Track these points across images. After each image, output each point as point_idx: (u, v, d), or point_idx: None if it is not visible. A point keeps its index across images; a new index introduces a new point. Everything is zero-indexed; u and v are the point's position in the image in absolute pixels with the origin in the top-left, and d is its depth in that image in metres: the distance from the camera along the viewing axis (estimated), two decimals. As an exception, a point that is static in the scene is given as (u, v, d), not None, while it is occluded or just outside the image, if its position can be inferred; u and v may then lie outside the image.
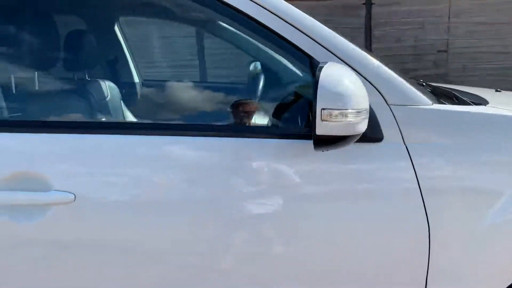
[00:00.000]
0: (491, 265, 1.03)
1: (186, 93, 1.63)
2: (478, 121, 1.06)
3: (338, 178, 1.00)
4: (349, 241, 1.02)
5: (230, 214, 0.98)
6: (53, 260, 0.94)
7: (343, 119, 0.78)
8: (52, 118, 1.20)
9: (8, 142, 0.93)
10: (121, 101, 1.68)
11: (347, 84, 0.80)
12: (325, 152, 0.95)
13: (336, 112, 0.78)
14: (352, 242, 1.02)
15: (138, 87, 2.04)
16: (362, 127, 0.83)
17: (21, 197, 0.87)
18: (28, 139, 0.95)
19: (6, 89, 1.23)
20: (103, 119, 1.56)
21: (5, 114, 1.14)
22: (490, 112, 1.09)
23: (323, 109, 0.79)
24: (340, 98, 0.78)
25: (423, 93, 1.09)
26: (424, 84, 1.53)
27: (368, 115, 0.85)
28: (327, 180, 1.01)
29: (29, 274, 0.95)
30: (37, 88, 1.38)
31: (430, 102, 1.06)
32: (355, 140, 0.89)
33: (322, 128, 0.80)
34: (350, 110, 0.79)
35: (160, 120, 1.46)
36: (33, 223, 0.89)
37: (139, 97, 2.02)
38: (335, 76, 0.80)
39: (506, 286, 1.02)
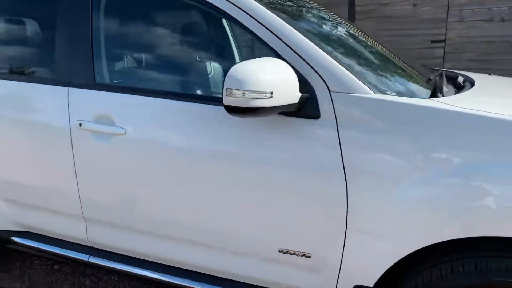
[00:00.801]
0: (408, 222, 1.20)
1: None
2: (404, 112, 1.22)
3: (272, 144, 1.35)
4: (282, 200, 1.36)
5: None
6: (108, 163, 1.61)
7: (240, 96, 1.16)
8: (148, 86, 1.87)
9: (105, 97, 1.64)
10: (222, 77, 2.23)
11: (247, 74, 1.15)
12: (264, 121, 1.32)
13: (234, 91, 1.16)
14: (283, 202, 1.36)
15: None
16: (259, 103, 1.17)
17: (100, 127, 1.59)
18: (117, 96, 1.64)
19: (137, 62, 1.88)
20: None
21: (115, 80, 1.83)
22: (421, 104, 1.22)
23: (227, 88, 1.17)
24: (240, 82, 1.16)
25: (370, 82, 1.30)
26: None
27: (269, 96, 1.17)
28: (259, 146, 1.36)
29: (95, 172, 1.66)
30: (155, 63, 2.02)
31: (370, 91, 1.27)
32: (270, 114, 1.24)
33: (226, 100, 1.18)
34: (244, 90, 1.15)
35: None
36: (106, 142, 1.60)
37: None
38: (244, 68, 1.17)
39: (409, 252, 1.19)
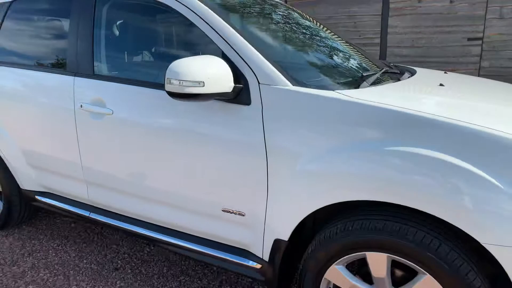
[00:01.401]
0: (308, 189, 1.51)
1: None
2: (307, 101, 1.52)
3: (214, 123, 1.69)
4: (200, 162, 1.71)
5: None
6: (101, 137, 2.02)
7: (177, 84, 1.51)
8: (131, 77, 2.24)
9: (99, 84, 2.05)
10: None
11: (186, 68, 1.50)
12: (209, 104, 1.68)
13: (172, 80, 1.51)
14: (205, 164, 1.71)
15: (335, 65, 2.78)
16: (192, 90, 1.51)
17: (95, 108, 2.02)
18: (107, 84, 2.05)
19: (122, 58, 2.27)
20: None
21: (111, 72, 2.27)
22: (320, 94, 1.51)
23: (167, 78, 1.53)
24: (176, 73, 1.51)
25: (292, 76, 1.61)
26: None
27: (201, 85, 1.52)
28: (204, 125, 1.71)
29: (91, 143, 2.09)
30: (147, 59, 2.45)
31: (289, 84, 1.59)
32: (206, 100, 1.58)
33: (167, 88, 1.54)
34: (181, 80, 1.50)
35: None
36: (99, 120, 2.03)
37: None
38: (184, 64, 1.53)
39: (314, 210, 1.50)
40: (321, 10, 11.10)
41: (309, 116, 1.50)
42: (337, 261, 1.53)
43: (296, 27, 2.18)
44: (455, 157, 1.27)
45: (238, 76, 1.65)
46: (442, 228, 1.37)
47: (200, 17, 1.76)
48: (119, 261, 2.44)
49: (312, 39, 2.14)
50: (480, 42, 7.75)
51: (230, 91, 1.60)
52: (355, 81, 1.78)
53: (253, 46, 1.68)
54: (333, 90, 1.54)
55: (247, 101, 1.63)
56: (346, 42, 2.55)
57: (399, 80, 1.95)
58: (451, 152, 1.28)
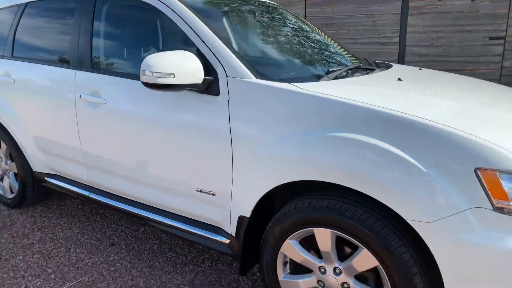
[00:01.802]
0: (276, 170, 1.66)
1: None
2: (264, 92, 1.70)
3: (187, 111, 1.90)
4: (177, 147, 1.92)
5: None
6: (96, 124, 2.28)
7: (149, 75, 1.72)
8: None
9: (96, 77, 2.30)
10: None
11: (158, 61, 1.71)
12: (184, 95, 1.88)
13: (146, 72, 1.72)
14: (181, 148, 1.91)
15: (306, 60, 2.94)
16: (163, 81, 1.71)
17: (91, 98, 2.27)
18: (102, 77, 2.29)
19: (114, 54, 2.51)
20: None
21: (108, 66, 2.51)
22: (277, 86, 1.69)
23: (142, 70, 1.74)
24: (149, 66, 1.71)
25: (257, 71, 1.80)
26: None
27: (171, 76, 1.72)
28: (179, 112, 1.92)
29: (88, 130, 2.34)
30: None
31: (253, 77, 1.78)
32: (178, 90, 1.79)
33: (142, 78, 1.74)
34: (153, 72, 1.71)
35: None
36: (95, 109, 2.27)
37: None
38: (157, 58, 1.73)
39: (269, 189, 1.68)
40: (340, 9, 11.12)
41: (267, 105, 1.68)
42: (290, 236, 1.71)
43: (273, 26, 2.36)
44: (381, 140, 1.42)
45: (209, 69, 1.84)
46: (378, 207, 1.51)
47: (179, 16, 1.97)
48: (115, 238, 2.70)
49: (286, 37, 2.31)
50: (502, 41, 7.63)
51: (200, 82, 1.80)
52: (318, 76, 1.94)
53: (223, 43, 1.87)
54: (289, 83, 1.71)
55: (216, 92, 1.83)
56: (331, 40, 2.70)
57: (364, 75, 2.09)
58: (378, 136, 1.43)
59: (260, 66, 1.87)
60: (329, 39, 2.87)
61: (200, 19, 1.94)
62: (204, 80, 1.81)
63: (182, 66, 1.73)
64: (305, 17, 11.76)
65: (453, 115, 1.50)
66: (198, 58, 1.83)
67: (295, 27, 2.52)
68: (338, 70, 2.07)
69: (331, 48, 2.53)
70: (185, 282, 2.22)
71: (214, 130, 1.83)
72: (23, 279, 2.26)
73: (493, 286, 1.32)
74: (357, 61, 2.50)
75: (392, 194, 1.40)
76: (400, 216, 1.46)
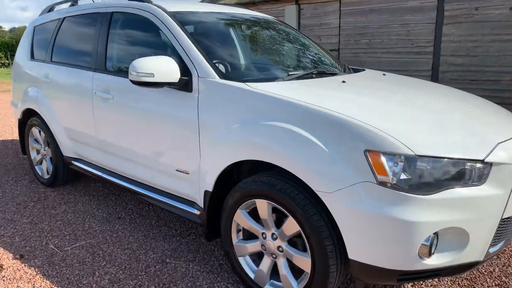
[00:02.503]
0: (228, 151, 2.06)
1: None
2: (224, 89, 2.11)
3: (167, 105, 2.35)
4: (161, 134, 2.37)
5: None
6: (106, 115, 2.82)
7: (135, 75, 2.19)
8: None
9: (108, 77, 2.83)
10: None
11: (141, 64, 2.17)
12: (162, 91, 2.34)
13: (132, 72, 2.18)
14: (163, 135, 2.36)
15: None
16: (145, 79, 2.18)
17: (103, 94, 2.80)
18: (112, 77, 2.81)
19: (121, 58, 3.11)
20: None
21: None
22: (233, 84, 2.09)
23: (129, 70, 2.21)
24: (135, 67, 2.18)
25: (222, 72, 2.22)
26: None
27: (151, 76, 2.17)
28: (161, 105, 2.38)
29: (100, 120, 2.87)
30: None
31: (217, 77, 2.20)
32: (168, 86, 2.25)
33: (130, 77, 2.21)
34: (137, 72, 2.17)
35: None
36: (105, 103, 2.80)
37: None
38: (143, 62, 2.20)
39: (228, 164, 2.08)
40: (374, 19, 11.28)
41: (224, 99, 2.09)
42: (240, 206, 2.09)
43: (250, 36, 2.77)
44: (297, 126, 1.78)
45: (187, 71, 2.29)
46: (299, 182, 1.85)
47: (169, 30, 2.44)
48: (123, 213, 3.21)
49: (259, 45, 2.71)
50: (540, 51, 7.45)
51: (176, 81, 2.24)
52: (275, 78, 2.32)
53: (199, 51, 2.31)
54: (243, 82, 2.11)
55: (190, 89, 2.27)
56: (318, 47, 3.06)
57: (319, 77, 2.43)
58: (295, 123, 1.79)
59: (227, 69, 2.28)
60: (317, 46, 3.22)
61: (184, 32, 2.39)
62: (180, 79, 2.25)
63: (161, 68, 2.19)
64: (339, 27, 11.99)
65: (364, 109, 1.82)
66: (179, 62, 2.29)
67: (274, 36, 2.91)
68: (297, 73, 2.44)
69: (308, 55, 2.89)
70: (169, 249, 2.66)
71: (187, 119, 2.26)
72: (45, 238, 2.82)
73: (377, 244, 1.62)
74: (329, 66, 2.83)
75: (304, 169, 1.74)
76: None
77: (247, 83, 2.10)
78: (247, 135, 1.94)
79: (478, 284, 2.25)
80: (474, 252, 1.70)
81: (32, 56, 3.81)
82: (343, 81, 2.30)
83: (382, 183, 1.60)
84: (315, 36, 12.65)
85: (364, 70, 3.05)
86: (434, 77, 10.56)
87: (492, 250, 1.78)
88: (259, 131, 1.90)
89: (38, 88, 3.60)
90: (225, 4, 14.35)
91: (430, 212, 1.57)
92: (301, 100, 1.84)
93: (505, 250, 2.60)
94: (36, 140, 3.88)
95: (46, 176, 3.80)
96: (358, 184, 1.63)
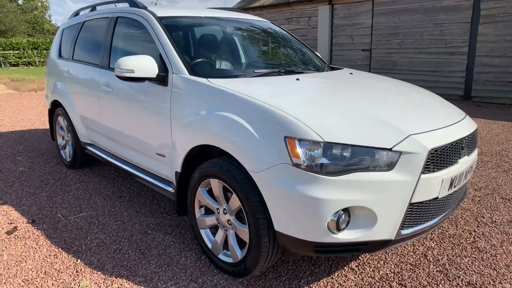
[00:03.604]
0: (189, 137, 2.42)
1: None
2: (192, 84, 2.46)
3: (148, 95, 2.74)
4: (145, 122, 2.76)
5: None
6: (108, 105, 3.27)
7: (119, 71, 2.58)
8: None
9: (110, 73, 3.28)
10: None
11: (123, 61, 2.55)
12: (144, 85, 2.74)
13: (116, 68, 2.58)
14: (146, 123, 2.75)
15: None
16: (126, 74, 2.55)
17: (106, 88, 3.26)
18: (112, 73, 3.27)
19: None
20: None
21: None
22: (197, 80, 2.43)
23: (115, 67, 2.60)
24: (118, 65, 2.56)
25: (191, 69, 2.57)
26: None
27: (132, 72, 2.56)
28: (144, 95, 2.77)
29: (104, 110, 3.33)
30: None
31: (187, 73, 2.56)
32: (149, 81, 2.65)
33: (115, 72, 2.61)
34: (121, 69, 2.57)
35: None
36: (106, 95, 3.25)
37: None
38: (125, 60, 2.59)
39: (191, 147, 2.43)
40: (406, 19, 11.17)
41: (190, 92, 2.44)
42: (200, 185, 2.42)
43: (230, 36, 3.09)
44: (237, 115, 2.08)
45: (165, 68, 2.66)
46: (241, 164, 2.15)
47: (155, 33, 2.83)
48: (125, 193, 3.67)
49: (236, 44, 3.02)
50: None
51: (154, 76, 2.62)
52: (239, 75, 2.63)
53: (175, 50, 2.67)
54: (206, 78, 2.45)
55: (166, 83, 2.64)
56: (296, 48, 3.33)
57: (281, 75, 2.71)
58: (236, 113, 2.09)
59: (198, 67, 2.63)
60: (302, 47, 3.48)
61: (165, 34, 2.77)
62: (158, 75, 2.63)
63: (140, 65, 2.57)
64: (371, 26, 11.93)
65: (292, 102, 2.08)
66: (160, 60, 2.67)
67: (255, 38, 3.21)
68: (263, 71, 2.73)
69: (284, 55, 3.16)
70: (154, 223, 3.06)
71: (163, 109, 2.64)
72: (56, 208, 3.34)
73: (294, 218, 1.89)
74: (299, 65, 3.08)
75: (241, 152, 2.04)
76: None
77: (209, 79, 2.44)
78: (203, 123, 2.28)
79: (420, 269, 2.43)
80: (383, 231, 1.91)
81: (60, 55, 4.39)
82: (297, 79, 2.56)
83: (297, 165, 1.86)
84: (347, 36, 12.68)
85: (341, 69, 3.27)
86: (469, 78, 10.26)
87: (404, 231, 1.98)
88: (211, 120, 2.23)
89: (62, 82, 4.16)
90: (260, 5, 14.71)
91: (336, 191, 1.82)
92: (241, 93, 2.14)
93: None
94: (62, 128, 4.46)
95: (68, 159, 4.37)
96: (279, 165, 1.90)
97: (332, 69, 3.36)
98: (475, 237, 2.81)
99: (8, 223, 3.09)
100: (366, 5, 12.10)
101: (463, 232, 2.89)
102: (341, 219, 1.87)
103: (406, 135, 1.93)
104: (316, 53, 3.69)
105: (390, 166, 1.87)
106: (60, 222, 3.09)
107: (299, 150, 1.86)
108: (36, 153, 5.08)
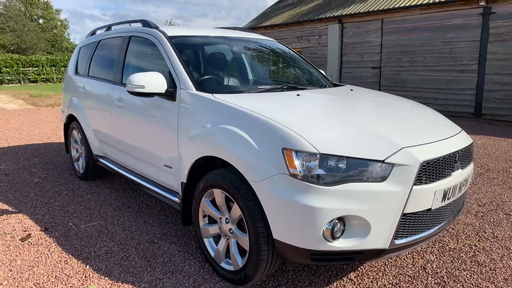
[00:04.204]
0: (195, 149, 2.55)
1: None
2: (198, 99, 2.60)
3: (158, 109, 2.89)
4: (154, 135, 2.90)
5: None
6: (120, 119, 3.43)
7: (131, 86, 2.74)
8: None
9: (121, 89, 3.47)
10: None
11: (134, 78, 2.71)
12: (154, 99, 2.90)
13: (128, 84, 2.72)
14: (155, 136, 2.89)
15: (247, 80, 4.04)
16: (137, 90, 2.71)
17: (118, 103, 3.43)
18: (124, 89, 3.45)
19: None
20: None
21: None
22: (202, 95, 2.58)
23: (127, 83, 2.75)
24: (130, 81, 2.72)
25: (198, 85, 2.72)
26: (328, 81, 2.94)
27: (142, 87, 2.71)
28: (155, 110, 2.92)
29: (116, 123, 3.49)
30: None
31: (194, 89, 2.70)
32: (158, 96, 2.80)
33: (126, 88, 2.76)
34: (132, 84, 2.72)
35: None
36: (119, 110, 3.42)
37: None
38: (136, 76, 2.75)
39: (198, 157, 2.56)
40: (416, 37, 11.29)
41: (196, 107, 2.58)
42: (204, 195, 2.53)
43: (236, 54, 3.25)
44: (239, 128, 2.20)
45: (174, 84, 2.82)
46: (242, 175, 2.26)
47: (165, 52, 3.00)
48: (134, 204, 3.80)
49: (242, 62, 3.17)
50: None
51: (163, 92, 2.77)
52: (243, 90, 2.76)
53: (183, 67, 2.83)
54: (211, 94, 2.59)
55: (174, 98, 2.79)
56: (300, 65, 3.46)
57: (283, 91, 2.84)
58: (239, 126, 2.21)
59: (204, 83, 2.78)
60: (306, 64, 3.62)
61: (175, 52, 2.94)
62: (167, 90, 2.78)
63: (150, 81, 2.73)
64: (381, 45, 12.08)
65: (291, 116, 2.19)
66: (169, 76, 2.83)
67: (260, 55, 3.37)
68: (266, 87, 2.86)
69: (289, 72, 3.30)
70: (160, 232, 3.17)
71: (170, 123, 2.78)
72: (68, 217, 3.48)
73: (291, 226, 1.98)
74: (303, 82, 3.21)
75: (241, 163, 2.15)
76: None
77: (214, 94, 2.57)
78: (207, 136, 2.41)
79: (418, 281, 2.47)
80: (377, 240, 1.99)
81: (76, 71, 4.62)
82: (298, 95, 2.68)
83: (294, 175, 1.96)
84: (357, 54, 12.85)
85: (343, 85, 3.39)
86: (479, 96, 10.26)
87: (398, 241, 2.05)
88: (215, 133, 2.35)
89: (78, 98, 4.37)
90: (271, 24, 15.05)
91: (331, 201, 1.91)
92: (242, 107, 2.27)
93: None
94: (76, 141, 4.65)
95: (81, 171, 4.53)
96: (277, 175, 2.01)
97: (335, 85, 3.47)
98: (475, 251, 2.84)
99: (22, 230, 3.23)
100: (375, 24, 12.29)
101: (463, 246, 2.92)
102: (336, 228, 1.95)
103: (398, 147, 2.02)
104: (321, 70, 3.82)
105: (383, 177, 1.95)
106: (72, 230, 3.22)
107: (296, 161, 1.96)
108: (51, 165, 5.27)
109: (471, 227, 3.25)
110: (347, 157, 1.94)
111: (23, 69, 25.26)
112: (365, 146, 2.00)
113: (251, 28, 16.00)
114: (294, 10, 15.54)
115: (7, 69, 24.55)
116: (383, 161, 1.95)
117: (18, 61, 25.14)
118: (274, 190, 2.01)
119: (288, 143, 1.99)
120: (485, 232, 3.14)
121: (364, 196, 1.92)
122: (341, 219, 1.96)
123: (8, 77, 24.57)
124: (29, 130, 8.10)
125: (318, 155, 1.93)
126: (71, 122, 4.67)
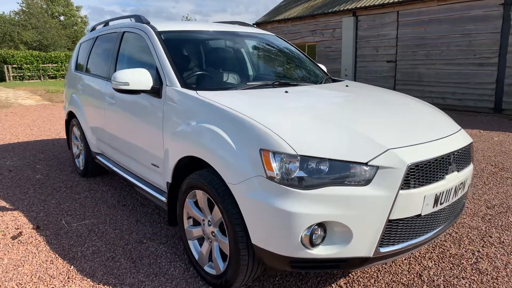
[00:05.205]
0: (177, 148, 2.47)
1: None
2: (182, 96, 2.51)
3: (145, 107, 2.81)
4: (142, 133, 2.83)
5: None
6: (112, 116, 3.38)
7: (115, 83, 2.67)
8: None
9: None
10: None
11: (119, 75, 2.63)
12: (141, 96, 2.82)
13: (113, 81, 2.66)
14: (143, 134, 2.82)
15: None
16: (122, 87, 2.64)
17: (110, 100, 3.38)
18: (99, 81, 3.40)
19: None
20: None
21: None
22: (187, 92, 2.48)
23: (111, 80, 2.69)
24: (115, 78, 2.65)
25: (184, 82, 2.62)
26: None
27: (126, 84, 2.64)
28: (140, 107, 2.85)
29: (109, 120, 3.44)
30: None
31: (179, 86, 2.61)
32: (145, 93, 2.73)
33: (112, 85, 2.70)
34: (116, 82, 2.65)
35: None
36: (111, 107, 3.37)
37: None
38: (121, 73, 2.68)
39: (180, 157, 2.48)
40: (433, 30, 10.89)
41: (181, 104, 2.49)
42: (187, 196, 2.45)
43: (226, 49, 3.13)
44: (218, 127, 2.09)
45: (160, 80, 2.73)
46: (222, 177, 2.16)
47: (154, 48, 2.92)
48: (129, 202, 3.76)
49: (231, 57, 3.06)
50: None
51: (149, 89, 2.69)
52: (229, 87, 2.66)
53: (170, 63, 2.74)
54: (195, 91, 2.49)
55: (160, 96, 2.71)
56: (296, 60, 3.33)
57: (271, 88, 2.72)
58: (218, 125, 2.11)
59: (190, 80, 2.69)
60: (304, 59, 3.47)
61: (162, 48, 2.85)
62: (153, 87, 2.70)
63: (135, 78, 2.65)
64: (396, 38, 11.71)
65: (270, 114, 2.07)
66: (156, 73, 2.75)
67: (251, 51, 3.24)
68: (254, 83, 2.74)
69: (281, 67, 3.17)
70: (151, 232, 3.10)
71: (156, 121, 2.70)
72: (61, 215, 3.46)
73: (269, 232, 1.87)
74: (295, 78, 3.08)
75: (220, 163, 2.05)
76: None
77: (197, 91, 2.48)
78: (187, 135, 2.31)
79: (411, 289, 2.32)
80: (360, 248, 1.85)
81: (76, 68, 4.60)
82: (286, 91, 2.56)
83: (271, 178, 1.85)
84: (372, 47, 12.51)
85: (341, 81, 3.24)
86: (499, 91, 9.82)
87: (384, 249, 1.91)
88: (195, 131, 2.26)
89: (76, 94, 4.35)
90: (284, 17, 14.82)
91: (309, 206, 1.78)
92: (223, 104, 2.16)
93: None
94: (76, 138, 4.64)
95: (81, 168, 4.53)
96: (254, 177, 1.90)
97: (334, 81, 3.32)
98: (478, 257, 2.66)
99: (15, 228, 3.23)
100: (391, 16, 11.92)
101: (465, 251, 2.74)
102: (315, 235, 1.83)
103: (384, 149, 1.87)
104: (321, 65, 3.67)
105: (366, 181, 1.82)
106: (63, 228, 3.20)
107: (273, 163, 1.84)
108: (55, 161, 5.30)
109: (476, 231, 3.06)
110: (327, 159, 1.81)
111: (43, 65, 25.80)
112: (348, 148, 1.87)
113: (265, 22, 15.81)
114: (308, 3, 15.25)
115: (28, 65, 25.12)
116: (366, 164, 1.82)
117: (38, 58, 25.69)
118: (252, 193, 1.91)
119: (265, 144, 1.88)
120: (491, 237, 2.95)
121: (346, 201, 1.79)
122: (321, 225, 1.84)
123: (29, 74, 25.14)
124: (41, 126, 8.21)
125: (298, 157, 1.81)
126: (71, 118, 4.66)
